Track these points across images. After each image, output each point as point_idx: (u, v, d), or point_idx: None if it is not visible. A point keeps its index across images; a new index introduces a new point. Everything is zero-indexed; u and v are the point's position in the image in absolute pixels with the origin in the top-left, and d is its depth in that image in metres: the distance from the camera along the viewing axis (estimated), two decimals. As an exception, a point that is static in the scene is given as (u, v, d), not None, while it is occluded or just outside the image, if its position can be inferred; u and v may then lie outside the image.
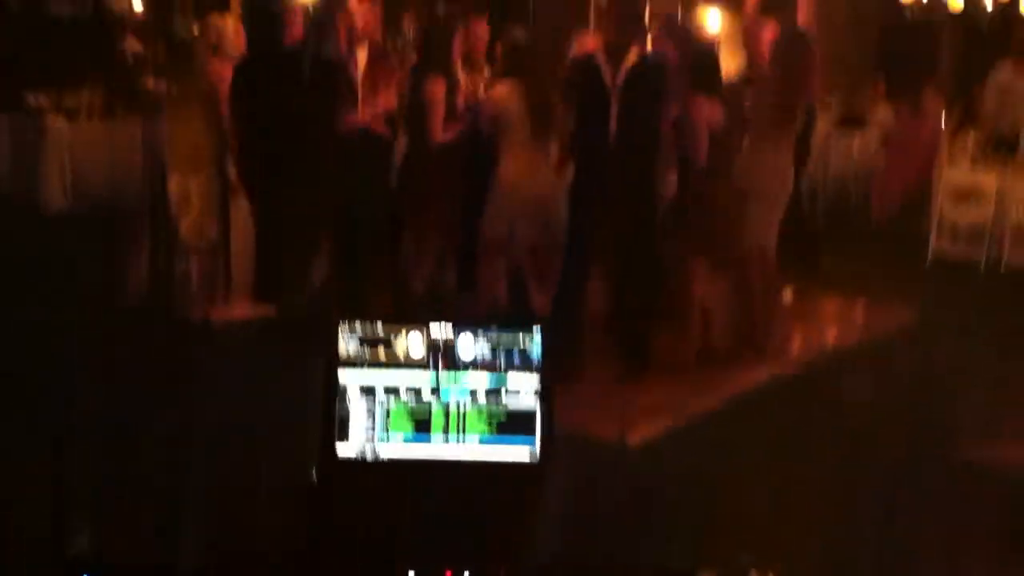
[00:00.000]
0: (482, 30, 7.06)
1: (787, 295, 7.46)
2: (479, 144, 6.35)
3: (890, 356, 7.02)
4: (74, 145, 9.91)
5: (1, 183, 9.96)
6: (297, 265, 6.29)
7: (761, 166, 6.46)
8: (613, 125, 5.89)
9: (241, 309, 5.54)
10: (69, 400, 5.14)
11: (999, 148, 10.77)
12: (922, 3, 20.08)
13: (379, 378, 2.55)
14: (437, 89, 6.41)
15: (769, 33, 6.61)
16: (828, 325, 7.78)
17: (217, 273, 5.72)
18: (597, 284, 6.28)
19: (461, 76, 6.75)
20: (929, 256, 9.87)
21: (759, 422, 5.69)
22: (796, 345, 6.98)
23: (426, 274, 6.70)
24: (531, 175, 6.06)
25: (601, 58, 5.92)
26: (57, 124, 9.89)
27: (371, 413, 2.51)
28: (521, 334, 2.51)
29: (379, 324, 2.50)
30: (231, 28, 6.81)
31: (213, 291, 5.65)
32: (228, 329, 5.29)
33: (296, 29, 6.37)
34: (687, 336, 6.33)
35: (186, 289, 5.52)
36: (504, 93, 6.16)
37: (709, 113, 6.06)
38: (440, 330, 2.54)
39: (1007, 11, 19.50)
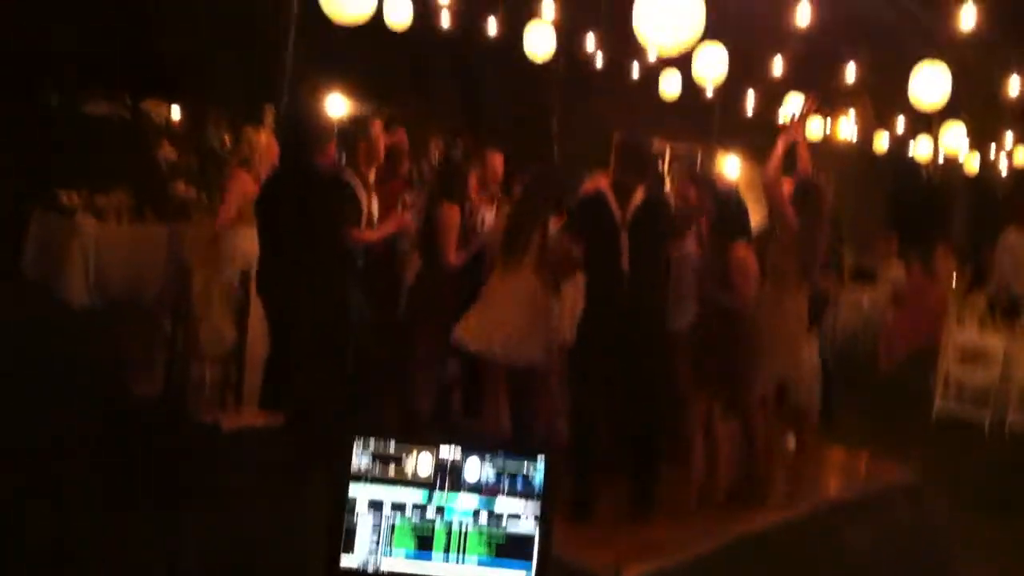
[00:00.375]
0: (498, 162, 7.38)
1: (790, 443, 7.50)
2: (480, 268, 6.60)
3: (890, 510, 7.01)
4: (101, 245, 10.10)
5: (26, 274, 10.15)
6: (308, 378, 6.39)
7: (779, 315, 6.58)
8: (624, 261, 6.03)
9: (251, 416, 5.61)
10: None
11: (1008, 312, 10.92)
12: (938, 164, 20.53)
13: (387, 494, 2.63)
14: (452, 215, 6.64)
15: (789, 186, 6.82)
16: (830, 475, 7.77)
17: (231, 379, 5.79)
18: (604, 418, 6.31)
19: (476, 204, 7.04)
20: (934, 414, 9.90)
21: (755, 567, 5.68)
22: (797, 493, 6.96)
23: (433, 394, 6.81)
24: (504, 291, 6.21)
25: (610, 195, 6.09)
26: (86, 223, 10.10)
27: (377, 527, 2.59)
28: (526, 462, 2.61)
29: (392, 442, 2.60)
30: (264, 142, 7.02)
31: (225, 397, 5.70)
32: (237, 435, 5.34)
33: (328, 148, 6.55)
34: (692, 478, 6.34)
35: (200, 393, 5.59)
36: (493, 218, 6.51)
37: (744, 257, 6.21)
38: (449, 452, 2.64)
39: (1021, 177, 19.91)
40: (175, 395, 5.52)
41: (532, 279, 6.34)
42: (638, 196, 6.04)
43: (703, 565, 5.62)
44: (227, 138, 13.95)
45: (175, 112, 12.83)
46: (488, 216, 7.25)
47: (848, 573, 5.80)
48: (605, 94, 20.18)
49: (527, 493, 2.62)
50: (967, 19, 8.15)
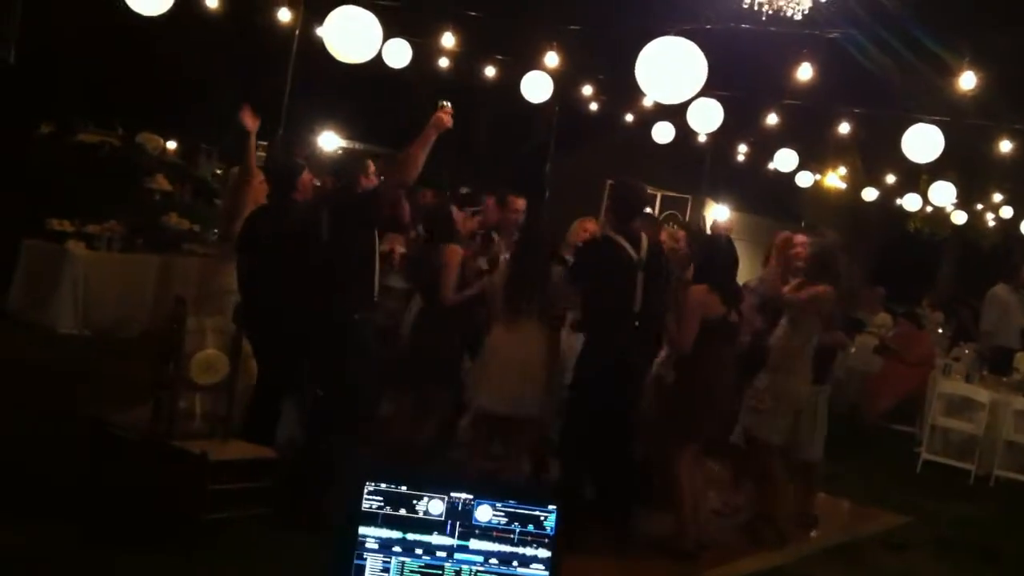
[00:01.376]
0: (520, 205, 7.45)
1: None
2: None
3: (873, 560, 7.00)
4: (91, 273, 10.10)
5: (17, 299, 10.13)
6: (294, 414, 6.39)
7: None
8: (636, 303, 6.09)
9: (240, 450, 5.57)
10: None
11: (996, 365, 10.99)
12: (926, 213, 20.74)
13: (397, 536, 2.63)
14: (453, 256, 6.69)
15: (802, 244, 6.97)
16: (819, 524, 7.77)
17: (220, 411, 5.75)
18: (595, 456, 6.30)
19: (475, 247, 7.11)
20: (919, 463, 9.94)
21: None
22: (780, 538, 6.95)
23: (430, 434, 6.81)
24: (513, 344, 6.25)
25: (622, 239, 6.14)
26: (77, 251, 10.11)
27: (386, 569, 2.58)
28: (538, 509, 2.62)
29: (403, 487, 2.60)
30: (257, 173, 7.01)
31: (215, 428, 5.67)
32: (226, 467, 5.31)
33: (301, 183, 6.58)
34: (677, 521, 6.34)
35: (189, 423, 5.55)
36: (499, 272, 6.55)
37: (696, 302, 6.21)
38: (461, 496, 2.64)
39: (1007, 228, 20.14)
40: (164, 426, 5.46)
41: (538, 331, 6.39)
42: (644, 241, 6.13)
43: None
44: (218, 171, 14.01)
45: (169, 144, 12.89)
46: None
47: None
48: (597, 140, 20.38)
49: (538, 539, 2.63)
50: (967, 81, 8.30)
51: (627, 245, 6.11)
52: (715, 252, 6.44)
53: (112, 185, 11.16)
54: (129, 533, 5.11)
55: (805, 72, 9.01)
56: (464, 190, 8.38)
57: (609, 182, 19.39)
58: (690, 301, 6.14)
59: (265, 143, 13.63)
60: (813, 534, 7.38)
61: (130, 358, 8.65)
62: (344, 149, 19.87)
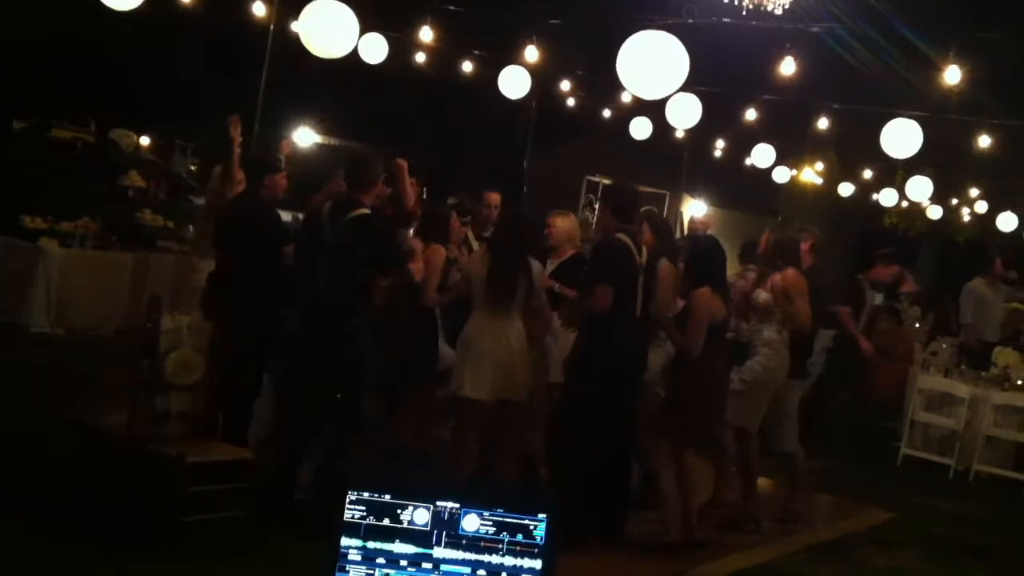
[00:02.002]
0: (495, 200, 7.38)
1: (763, 484, 7.49)
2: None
3: (861, 556, 6.98)
4: (65, 271, 9.98)
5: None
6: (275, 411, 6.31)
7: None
8: (639, 305, 6.08)
9: (217, 452, 5.48)
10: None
11: (975, 360, 11.01)
12: (902, 208, 20.79)
13: (382, 546, 2.54)
14: (437, 256, 6.62)
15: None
16: (804, 520, 7.75)
17: (198, 411, 5.66)
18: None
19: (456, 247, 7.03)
20: (899, 458, 9.95)
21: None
22: (769, 536, 6.93)
23: (406, 436, 6.74)
24: (491, 333, 6.19)
25: (630, 242, 6.13)
26: (51, 248, 9.98)
27: (371, 580, 2.49)
28: (527, 518, 2.54)
29: (387, 496, 2.50)
30: (239, 175, 6.97)
31: (191, 429, 5.57)
32: (201, 469, 5.22)
33: (272, 180, 6.55)
34: (664, 519, 6.30)
35: (165, 424, 5.46)
36: (476, 258, 6.43)
37: (702, 303, 6.24)
38: (446, 506, 2.55)
39: (983, 223, 20.22)
40: (140, 427, 5.36)
41: (518, 323, 6.28)
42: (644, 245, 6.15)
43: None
44: (193, 167, 13.88)
45: (143, 140, 12.76)
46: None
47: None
48: (576, 137, 20.35)
49: (528, 549, 2.55)
50: (952, 76, 8.30)
51: (635, 249, 6.12)
52: (714, 253, 6.51)
53: (86, 182, 11.04)
54: (106, 536, 5.02)
55: (787, 67, 8.98)
56: (451, 200, 8.33)
57: (602, 182, 19.43)
58: (699, 305, 6.18)
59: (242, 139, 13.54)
60: (800, 530, 7.36)
61: (105, 357, 8.55)
62: (320, 145, 19.76)
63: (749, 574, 6.22)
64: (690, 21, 6.61)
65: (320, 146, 19.77)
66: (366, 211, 5.86)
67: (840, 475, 9.05)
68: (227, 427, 6.00)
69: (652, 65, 5.63)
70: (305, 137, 19.57)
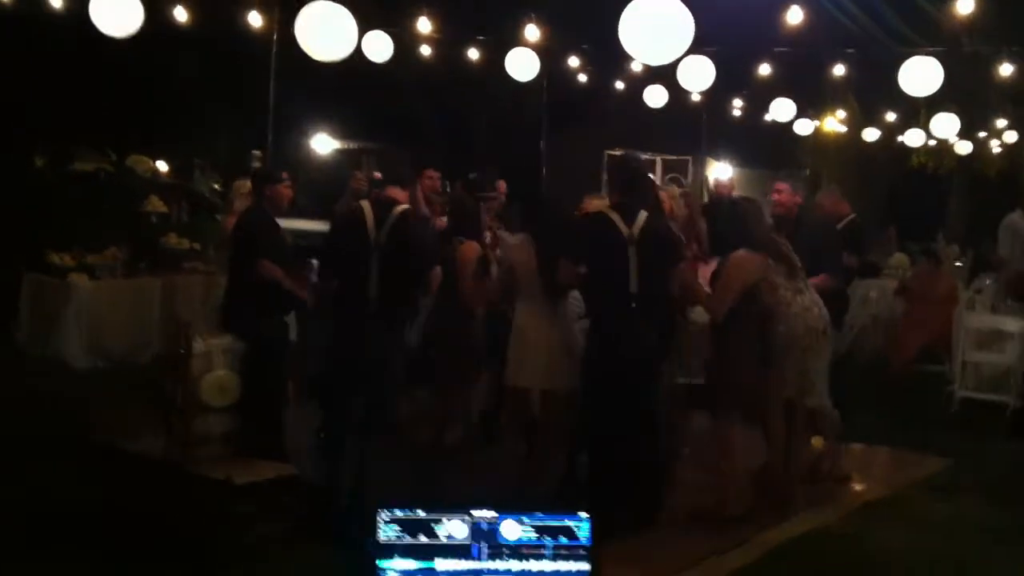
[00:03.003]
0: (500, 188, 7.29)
1: (817, 444, 7.35)
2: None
3: (920, 508, 6.85)
4: (95, 303, 10.02)
5: (25, 334, 10.05)
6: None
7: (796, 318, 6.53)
8: (632, 281, 5.88)
9: (262, 469, 5.45)
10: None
11: (1017, 293, 10.79)
12: (929, 147, 20.46)
13: (420, 565, 2.44)
14: (468, 251, 6.56)
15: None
16: (861, 476, 7.63)
17: (237, 432, 5.65)
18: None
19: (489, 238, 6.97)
20: (954, 401, 9.77)
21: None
22: (826, 498, 6.80)
23: (456, 435, 6.70)
24: (540, 325, 6.09)
25: (615, 214, 5.98)
26: (80, 282, 10.01)
27: (412, 599, 2.39)
28: (569, 520, 2.42)
29: (419, 511, 2.40)
30: (240, 187, 6.93)
31: (233, 449, 5.56)
32: (251, 489, 5.19)
33: (277, 190, 6.53)
34: (717, 490, 6.22)
35: (207, 447, 5.45)
36: (517, 247, 6.33)
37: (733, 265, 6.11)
38: (482, 514, 2.44)
39: (1012, 154, 19.87)
40: (178, 450, 5.35)
41: (559, 306, 6.19)
42: (642, 217, 5.94)
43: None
44: (216, 185, 13.89)
45: (161, 165, 12.76)
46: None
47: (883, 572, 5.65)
48: (591, 112, 20.19)
49: (572, 552, 2.43)
50: (965, 6, 8.10)
51: (619, 220, 5.91)
52: (741, 215, 6.34)
53: (108, 212, 11.07)
54: (158, 561, 5.00)
55: (795, 17, 8.79)
56: (471, 175, 8.20)
57: (608, 153, 19.28)
58: (729, 270, 6.08)
59: (258, 152, 13.51)
60: (857, 488, 7.23)
61: (143, 384, 8.56)
62: (339, 150, 19.71)
63: (807, 538, 6.11)
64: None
65: (339, 151, 19.74)
66: (406, 207, 5.86)
67: (894, 427, 8.89)
68: (260, 441, 5.94)
69: (656, 30, 5.51)
70: (323, 143, 19.55)
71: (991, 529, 6.39)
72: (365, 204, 5.92)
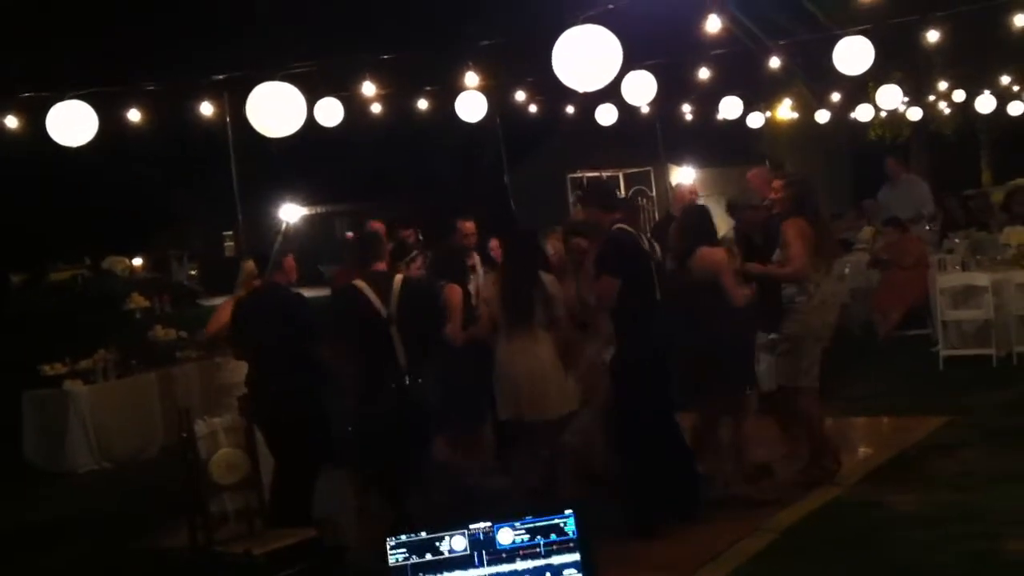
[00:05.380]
0: (469, 229, 7.47)
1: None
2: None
3: (928, 467, 7.02)
4: (95, 406, 10.12)
5: (31, 451, 10.14)
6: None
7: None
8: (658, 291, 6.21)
9: (282, 538, 5.58)
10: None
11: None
12: (883, 119, 20.80)
13: (430, 580, 2.66)
14: (455, 295, 6.71)
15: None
16: (863, 446, 7.80)
17: (252, 505, 5.77)
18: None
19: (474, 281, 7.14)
20: (941, 362, 9.97)
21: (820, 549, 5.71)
22: (839, 469, 6.96)
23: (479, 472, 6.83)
24: (513, 359, 6.30)
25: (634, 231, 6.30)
26: (75, 388, 10.12)
27: (429, 615, 2.60)
28: (556, 518, 2.66)
29: (423, 533, 2.62)
30: (250, 268, 6.96)
31: (252, 523, 5.69)
32: (273, 558, 5.33)
33: (286, 263, 6.63)
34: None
35: (225, 525, 5.58)
36: (489, 285, 6.55)
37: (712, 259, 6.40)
38: (479, 526, 2.68)
39: (965, 111, 20.22)
40: (201, 534, 5.48)
41: (543, 336, 6.36)
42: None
43: (762, 563, 5.61)
44: (192, 272, 14.06)
45: (137, 262, 12.95)
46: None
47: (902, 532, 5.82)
48: (548, 140, 20.49)
49: (563, 546, 2.66)
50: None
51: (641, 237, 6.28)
52: (699, 219, 6.70)
53: (92, 316, 11.21)
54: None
55: (713, 25, 9.07)
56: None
57: (584, 177, 19.55)
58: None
59: (230, 232, 13.73)
60: (862, 457, 7.42)
61: (155, 478, 8.68)
62: (306, 217, 19.94)
63: (822, 513, 6.27)
64: (611, 7, 6.68)
65: (307, 217, 19.96)
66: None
67: (888, 394, 9.09)
68: (284, 514, 6.05)
69: (586, 58, 5.72)
70: (292, 212, 19.77)
71: (996, 476, 6.55)
72: (360, 283, 6.16)
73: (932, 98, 20.22)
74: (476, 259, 7.63)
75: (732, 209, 8.25)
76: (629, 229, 6.27)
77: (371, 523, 6.05)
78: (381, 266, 6.27)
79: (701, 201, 8.98)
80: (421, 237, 8.72)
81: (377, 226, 7.50)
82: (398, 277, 6.14)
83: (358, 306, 6.05)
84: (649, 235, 7.16)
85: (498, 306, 6.38)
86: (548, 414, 6.28)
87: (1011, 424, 7.78)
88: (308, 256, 10.77)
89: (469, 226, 7.53)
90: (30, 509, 8.70)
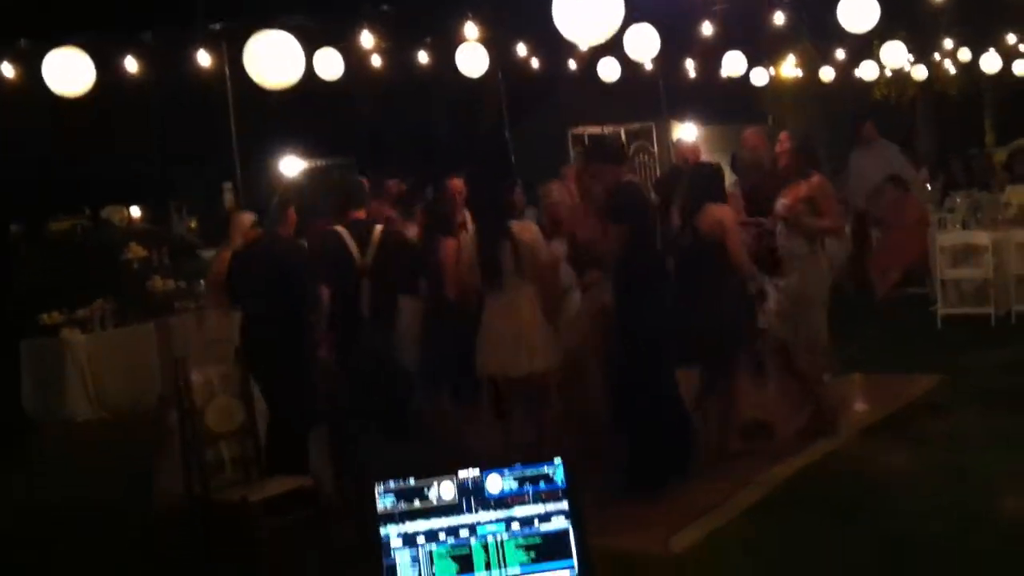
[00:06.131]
0: (458, 187, 7.44)
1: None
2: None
3: (919, 426, 7.04)
4: (92, 355, 10.16)
5: (30, 400, 10.19)
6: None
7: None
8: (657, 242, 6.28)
9: (278, 485, 5.61)
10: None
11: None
12: (887, 78, 20.67)
13: (417, 526, 2.69)
14: (449, 249, 6.69)
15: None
16: (858, 403, 7.83)
17: (248, 453, 5.80)
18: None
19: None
20: (938, 320, 9.97)
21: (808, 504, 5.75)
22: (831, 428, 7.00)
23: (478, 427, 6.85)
24: (498, 311, 6.30)
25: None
26: (73, 337, 10.15)
27: (416, 560, 2.64)
28: (544, 466, 2.69)
29: (411, 479, 2.65)
30: (246, 220, 6.91)
31: (247, 472, 5.72)
32: (267, 505, 5.37)
33: (287, 216, 6.60)
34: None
35: (221, 473, 5.61)
36: (468, 242, 6.59)
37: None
38: (468, 474, 2.70)
39: (970, 70, 20.09)
40: (197, 481, 5.52)
41: (523, 291, 6.33)
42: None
43: (755, 517, 5.66)
44: (192, 225, 14.04)
45: (135, 212, 12.92)
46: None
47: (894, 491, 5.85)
48: (550, 95, 20.35)
49: (551, 495, 2.70)
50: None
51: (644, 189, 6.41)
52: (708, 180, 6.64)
53: (90, 265, 11.21)
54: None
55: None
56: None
57: (586, 133, 19.46)
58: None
59: (229, 184, 13.67)
60: (857, 414, 7.45)
61: (152, 427, 8.73)
62: (308, 169, 19.86)
63: (817, 467, 6.33)
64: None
65: (307, 171, 19.87)
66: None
67: (884, 352, 9.11)
68: (278, 466, 6.07)
69: (587, 12, 5.67)
70: (291, 165, 19.67)
71: (988, 436, 6.59)
72: (339, 229, 6.15)
73: (937, 57, 20.08)
74: (467, 216, 7.59)
75: (738, 168, 8.23)
76: (638, 181, 6.28)
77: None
78: (360, 214, 6.30)
79: (704, 158, 8.93)
80: (405, 187, 8.74)
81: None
82: (378, 227, 6.16)
83: (336, 251, 6.11)
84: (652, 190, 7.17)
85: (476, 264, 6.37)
86: (519, 371, 6.25)
87: (1008, 384, 7.80)
88: (307, 209, 10.73)
89: (457, 183, 7.49)
90: (28, 458, 8.76)
